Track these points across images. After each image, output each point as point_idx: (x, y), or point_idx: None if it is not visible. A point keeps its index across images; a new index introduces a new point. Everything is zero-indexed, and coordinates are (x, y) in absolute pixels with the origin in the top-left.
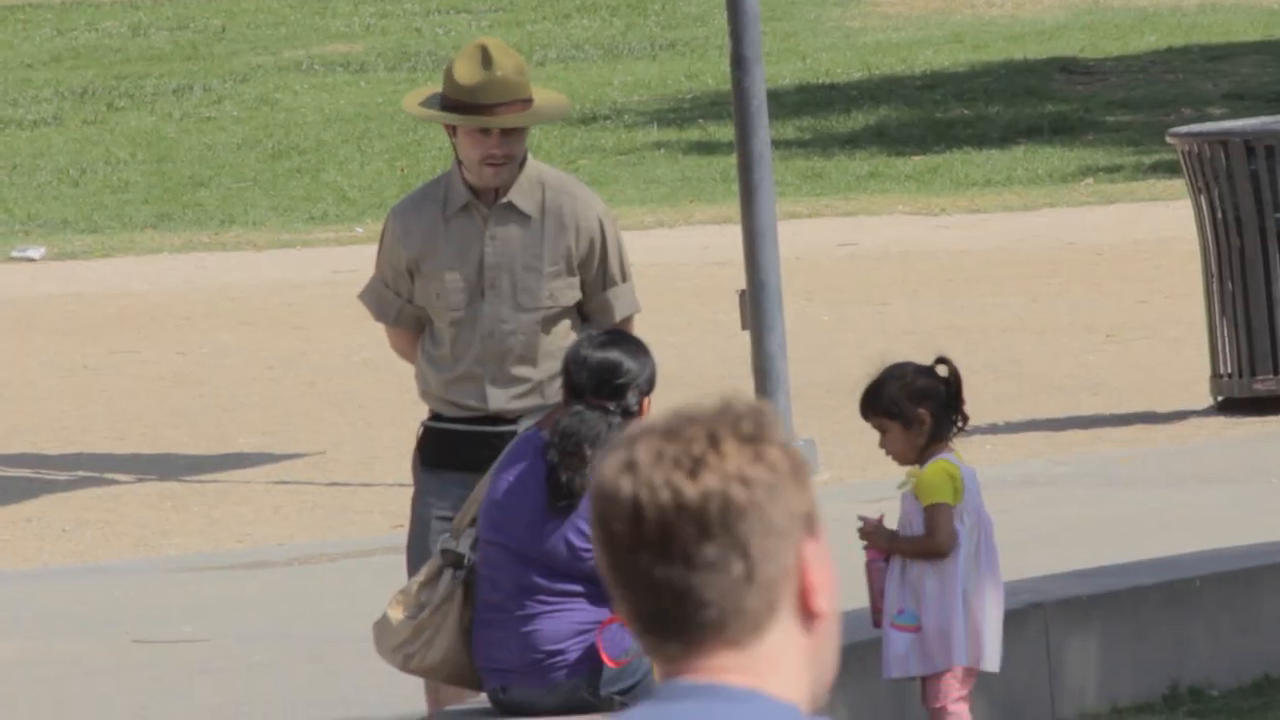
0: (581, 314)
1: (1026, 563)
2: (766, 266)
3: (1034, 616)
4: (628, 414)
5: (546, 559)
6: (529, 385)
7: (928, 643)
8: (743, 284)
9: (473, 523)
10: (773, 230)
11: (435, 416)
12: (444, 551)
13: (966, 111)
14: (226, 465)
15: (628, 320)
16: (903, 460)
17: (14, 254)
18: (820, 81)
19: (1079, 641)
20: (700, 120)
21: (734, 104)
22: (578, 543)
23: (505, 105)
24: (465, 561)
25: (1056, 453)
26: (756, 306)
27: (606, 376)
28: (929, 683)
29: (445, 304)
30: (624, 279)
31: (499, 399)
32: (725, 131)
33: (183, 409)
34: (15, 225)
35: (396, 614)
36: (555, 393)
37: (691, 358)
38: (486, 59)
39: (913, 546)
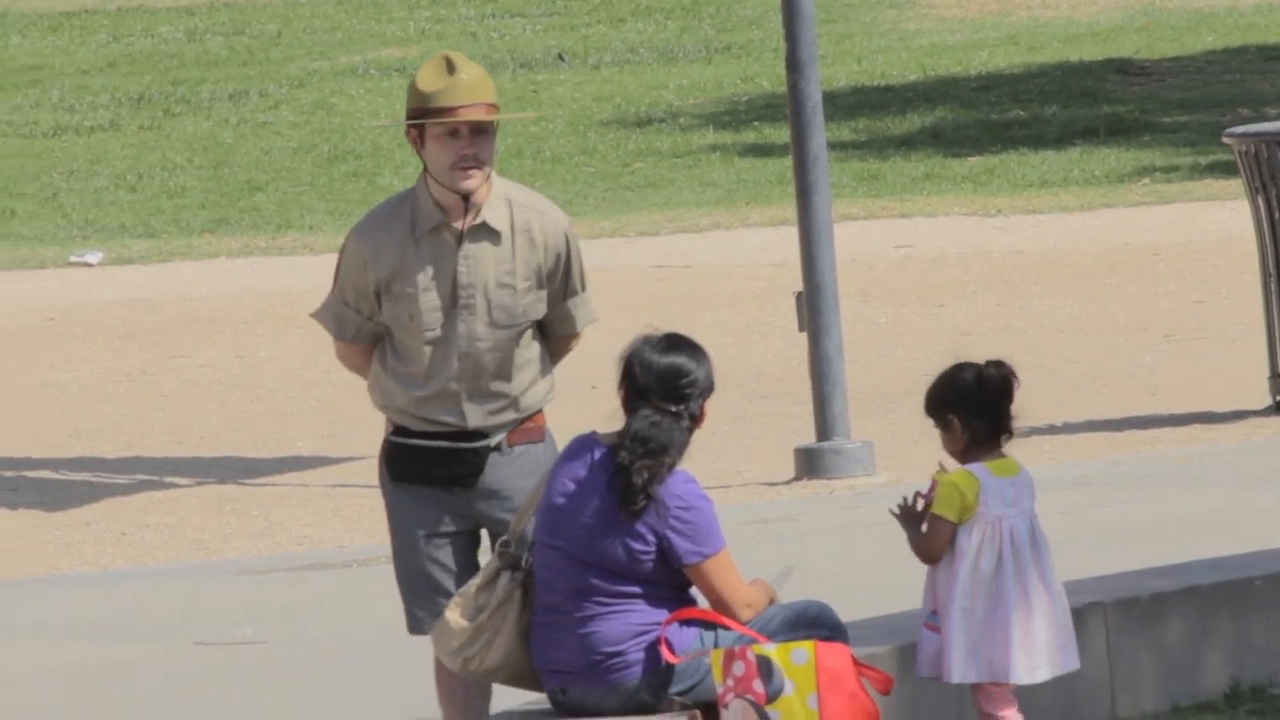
0: (544, 320)
1: (1085, 563)
2: (823, 268)
3: (1093, 616)
4: (692, 418)
5: (604, 561)
6: (506, 400)
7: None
8: (799, 286)
9: (530, 525)
10: (829, 232)
11: (400, 430)
12: (502, 553)
13: (1022, 113)
14: (285, 468)
15: (580, 334)
16: (951, 458)
17: (72, 259)
18: (876, 83)
19: (1139, 641)
20: (756, 123)
21: (789, 106)
22: (636, 545)
23: (470, 106)
24: (523, 563)
25: (1114, 453)
26: (813, 308)
27: (673, 381)
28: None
29: (420, 324)
30: (583, 288)
31: (476, 416)
32: (781, 134)
33: (241, 413)
34: (73, 230)
35: (455, 617)
36: (529, 405)
37: (748, 359)
38: (450, 66)
39: (912, 542)
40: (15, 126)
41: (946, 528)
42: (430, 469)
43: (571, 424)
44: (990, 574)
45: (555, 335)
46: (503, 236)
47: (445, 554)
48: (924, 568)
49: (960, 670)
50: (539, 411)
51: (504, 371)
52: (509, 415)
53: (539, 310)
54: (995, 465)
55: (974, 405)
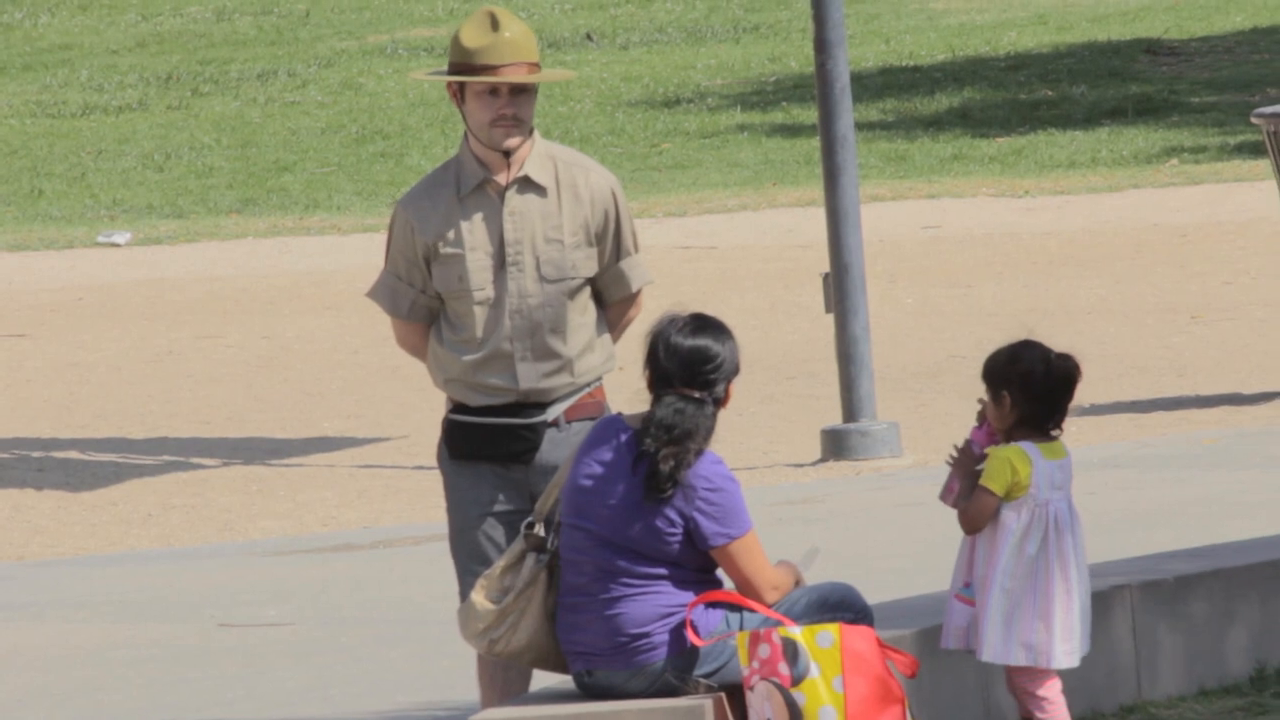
0: (599, 281)
1: (1112, 544)
2: (850, 249)
3: (1120, 599)
4: (717, 402)
5: (630, 543)
6: (560, 362)
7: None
8: (826, 267)
9: (555, 506)
10: (856, 213)
11: (460, 408)
12: (527, 536)
13: (1050, 93)
14: (311, 449)
15: (639, 293)
16: (997, 435)
17: (100, 239)
18: (904, 64)
19: (1165, 623)
20: (784, 103)
21: (817, 87)
22: (662, 527)
23: (512, 66)
24: (548, 545)
25: (1142, 434)
26: (840, 289)
27: (698, 366)
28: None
29: (469, 284)
30: (636, 250)
31: (530, 377)
32: (809, 114)
33: (267, 393)
34: (101, 210)
35: (481, 599)
36: (585, 371)
37: (775, 340)
38: (495, 22)
39: (957, 503)
40: (44, 106)
41: (992, 501)
42: (488, 445)
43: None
44: (1034, 557)
45: (612, 300)
46: (548, 191)
47: (500, 533)
48: (952, 549)
49: (998, 650)
50: (598, 385)
51: (557, 330)
52: (563, 379)
53: (589, 267)
54: (1045, 447)
55: (1034, 390)
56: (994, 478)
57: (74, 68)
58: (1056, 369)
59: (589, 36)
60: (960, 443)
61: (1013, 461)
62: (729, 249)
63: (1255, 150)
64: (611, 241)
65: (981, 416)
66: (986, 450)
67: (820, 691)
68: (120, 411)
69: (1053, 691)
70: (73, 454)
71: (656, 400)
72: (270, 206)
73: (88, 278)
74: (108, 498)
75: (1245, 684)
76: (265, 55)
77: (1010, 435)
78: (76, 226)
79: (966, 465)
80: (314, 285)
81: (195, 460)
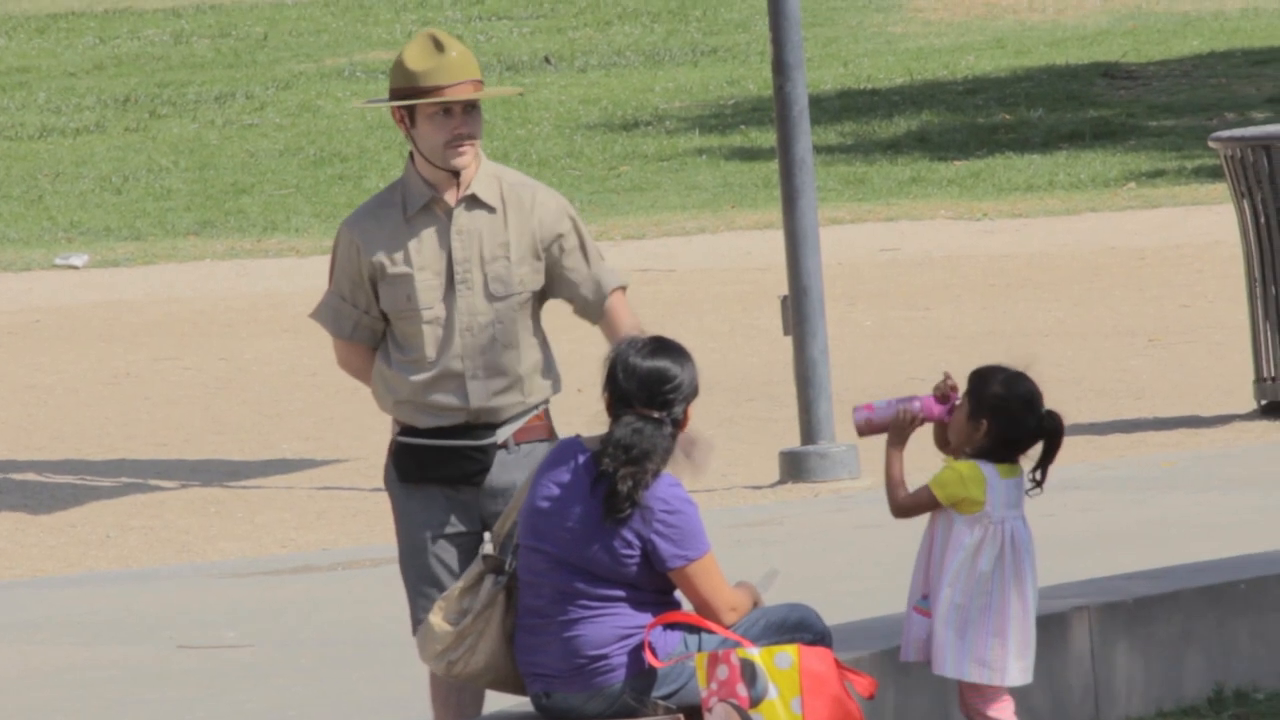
0: (581, 297)
1: (1070, 566)
2: (808, 272)
3: (1078, 620)
4: (675, 423)
5: (588, 565)
6: (509, 380)
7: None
8: (785, 289)
9: (513, 529)
10: (815, 236)
11: (408, 430)
12: (485, 557)
13: (1008, 116)
14: (269, 471)
15: (620, 291)
16: (956, 444)
17: (57, 261)
18: (862, 87)
19: (1123, 645)
20: (742, 126)
21: (776, 110)
22: (620, 548)
23: (460, 85)
24: (506, 567)
25: (1100, 457)
26: (799, 312)
27: (656, 386)
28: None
29: (417, 304)
30: (602, 257)
31: (480, 395)
32: (767, 137)
33: (225, 415)
34: (58, 233)
35: (439, 620)
36: (533, 390)
37: (734, 363)
38: (438, 44)
39: (890, 476)
40: (1, 129)
41: (931, 502)
42: (437, 468)
43: (557, 427)
44: (988, 574)
45: (598, 301)
46: (494, 208)
47: (451, 555)
48: (908, 569)
49: (953, 666)
50: (544, 408)
51: (509, 347)
52: (513, 398)
53: (536, 281)
54: (1002, 467)
55: (1017, 432)
56: (944, 486)
57: (31, 90)
58: (1049, 429)
59: (547, 59)
60: (914, 403)
61: (964, 479)
62: (687, 272)
63: (1213, 174)
64: (578, 253)
65: (945, 397)
66: (945, 459)
67: (779, 713)
68: (78, 433)
69: (1005, 713)
70: (30, 476)
71: (615, 421)
72: (228, 229)
73: (45, 300)
74: (66, 519)
75: (1203, 705)
76: (223, 78)
77: (970, 453)
78: (34, 249)
79: (905, 429)
80: (272, 307)
81: (153, 482)
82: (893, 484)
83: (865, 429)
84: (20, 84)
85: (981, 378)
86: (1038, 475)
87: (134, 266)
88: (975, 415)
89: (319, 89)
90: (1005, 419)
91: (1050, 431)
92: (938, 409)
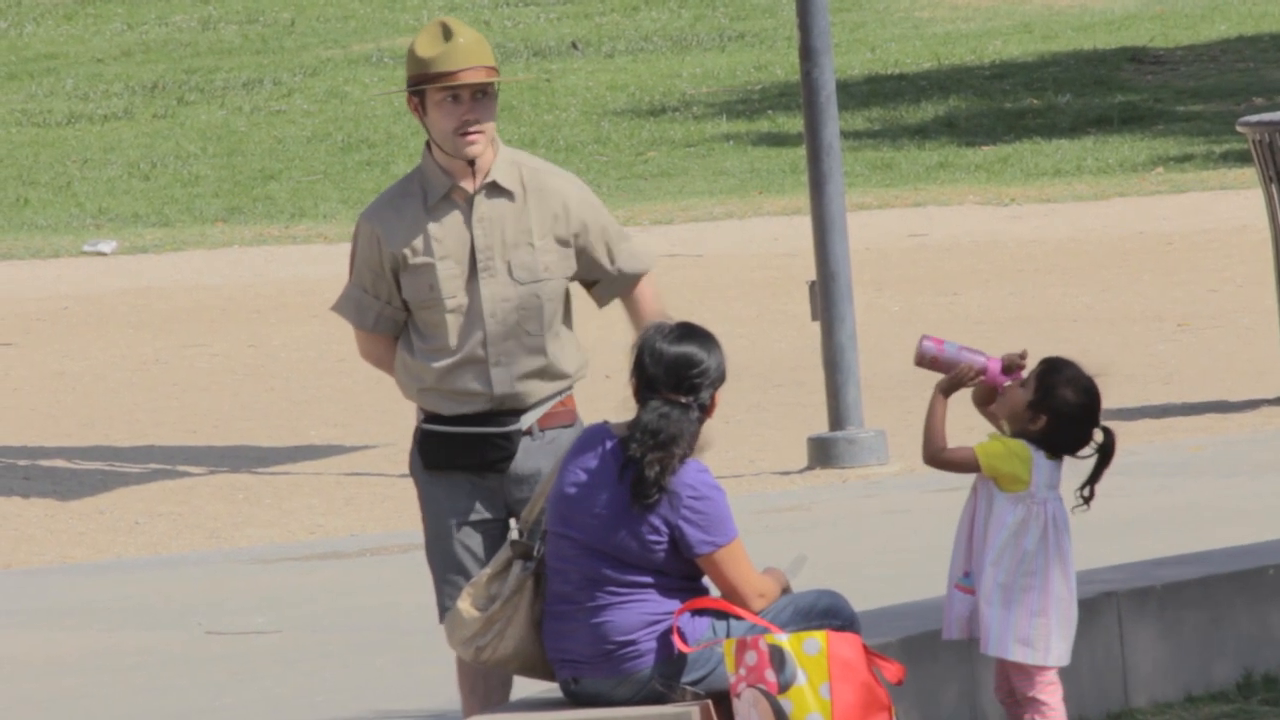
0: (607, 282)
1: (1099, 552)
2: (836, 257)
3: (1107, 606)
4: (702, 408)
5: (617, 551)
6: (533, 367)
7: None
8: (812, 275)
9: (541, 515)
10: (842, 221)
11: (433, 418)
12: (513, 543)
13: (1036, 101)
14: (298, 457)
15: (648, 274)
16: (1000, 415)
17: (86, 248)
18: (889, 72)
19: (1152, 631)
20: (769, 112)
21: (803, 95)
22: (648, 535)
23: (469, 70)
24: (535, 553)
25: (1129, 442)
26: (826, 297)
27: (683, 371)
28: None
29: (440, 293)
30: (626, 238)
31: (503, 381)
32: (794, 123)
33: (254, 402)
34: (87, 219)
35: (467, 606)
36: (557, 376)
37: (761, 349)
38: (447, 31)
39: (932, 421)
40: (30, 115)
41: (969, 465)
42: (462, 455)
43: (584, 413)
44: (1031, 553)
45: (627, 282)
46: (515, 195)
47: (476, 542)
48: (939, 556)
49: (996, 644)
50: (569, 394)
51: (532, 333)
52: (536, 384)
53: (563, 268)
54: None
55: (1072, 439)
56: (990, 456)
57: (59, 76)
58: (1107, 446)
59: (575, 45)
60: (982, 359)
61: (1014, 457)
62: (715, 257)
63: (1240, 158)
64: (600, 237)
65: (1012, 368)
66: (991, 433)
67: (807, 699)
68: (107, 420)
69: (1050, 694)
70: (59, 462)
71: (642, 406)
72: (256, 215)
73: (73, 287)
74: (94, 506)
75: (1232, 690)
76: (251, 64)
77: (1019, 435)
78: (62, 235)
79: (962, 380)
80: (300, 293)
81: (182, 468)
82: (933, 431)
83: (923, 361)
84: (48, 70)
85: (1053, 370)
86: (1085, 493)
87: (162, 253)
88: (1036, 407)
89: (347, 75)
90: (1066, 424)
91: (1103, 449)
92: (1001, 376)
